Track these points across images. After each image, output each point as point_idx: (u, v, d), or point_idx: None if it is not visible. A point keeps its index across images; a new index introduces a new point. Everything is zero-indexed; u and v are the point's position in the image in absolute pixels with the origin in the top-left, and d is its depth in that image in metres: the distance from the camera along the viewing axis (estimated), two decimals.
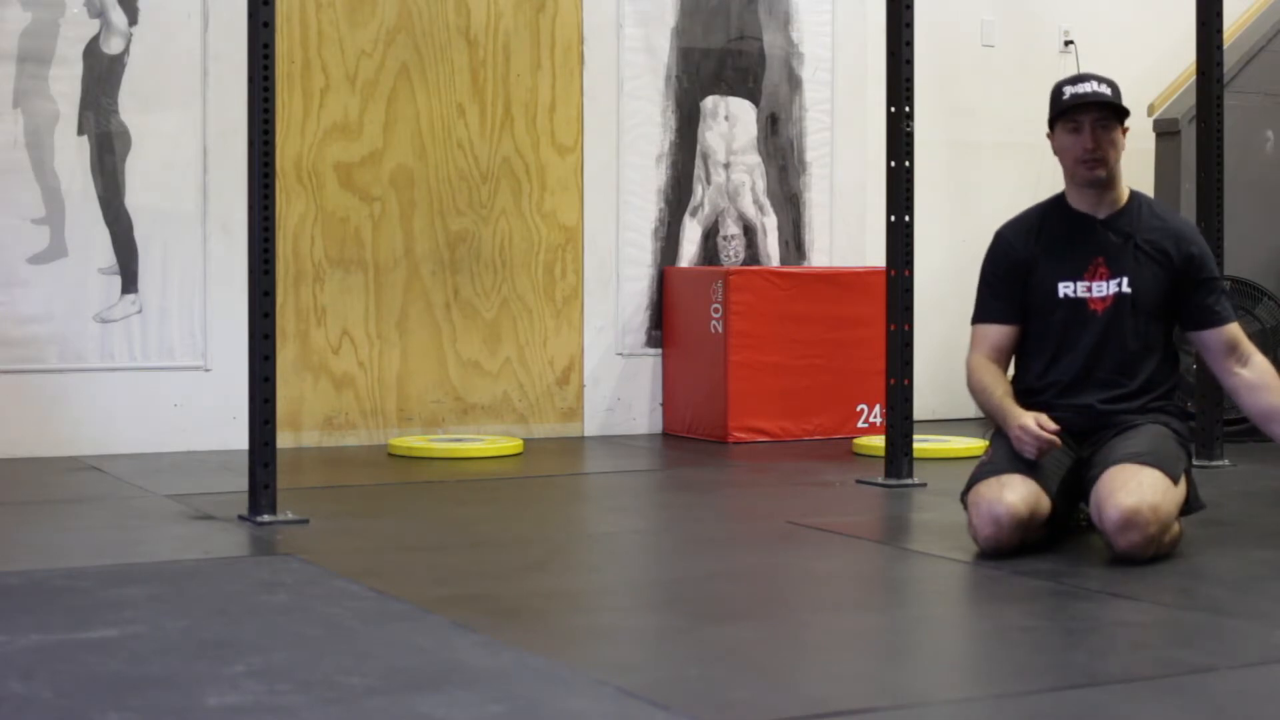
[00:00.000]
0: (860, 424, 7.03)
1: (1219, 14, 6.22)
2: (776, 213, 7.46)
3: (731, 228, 7.38)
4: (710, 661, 3.24)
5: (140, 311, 6.37)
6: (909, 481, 5.50)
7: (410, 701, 2.85)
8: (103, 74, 6.31)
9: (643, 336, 7.23)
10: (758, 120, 7.42)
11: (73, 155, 6.27)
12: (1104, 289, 4.39)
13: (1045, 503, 4.20)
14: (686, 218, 7.31)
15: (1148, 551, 4.05)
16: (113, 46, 6.33)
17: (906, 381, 5.53)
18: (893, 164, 5.54)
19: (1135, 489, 4.04)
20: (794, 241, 7.50)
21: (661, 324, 7.24)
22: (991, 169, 7.87)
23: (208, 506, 5.05)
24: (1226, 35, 6.65)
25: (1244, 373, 4.40)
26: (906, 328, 5.54)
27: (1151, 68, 7.69)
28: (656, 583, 4.23)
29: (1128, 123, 4.43)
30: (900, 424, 5.52)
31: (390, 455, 6.39)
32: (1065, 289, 4.41)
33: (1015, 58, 7.93)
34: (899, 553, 4.58)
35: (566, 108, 7.04)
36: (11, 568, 4.09)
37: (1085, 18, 8.03)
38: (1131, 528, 4.01)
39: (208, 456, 6.25)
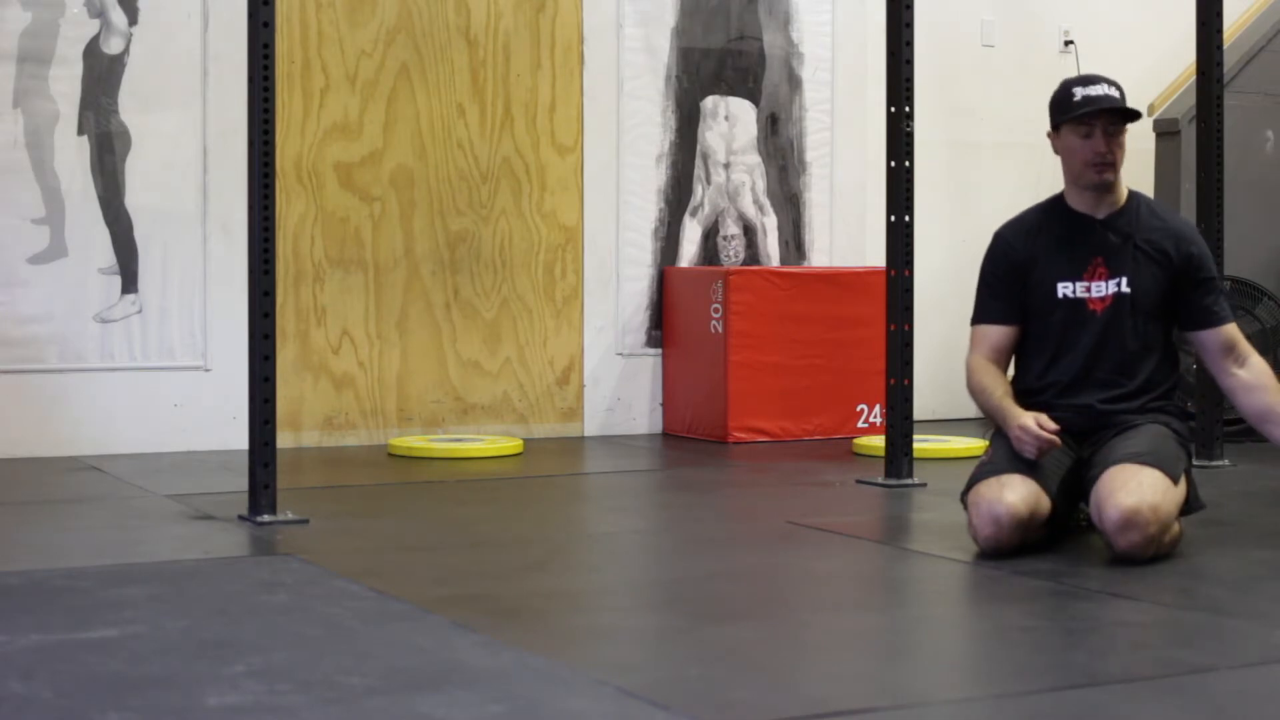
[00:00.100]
0: (860, 424, 7.03)
1: (1219, 14, 6.22)
2: (776, 213, 7.46)
3: (731, 228, 7.38)
4: (710, 661, 3.24)
5: (140, 311, 6.37)
6: (909, 481, 5.50)
7: (410, 701, 2.85)
8: (103, 74, 6.31)
9: (643, 336, 7.23)
10: (758, 120, 7.42)
11: (73, 155, 6.27)
12: (1103, 289, 4.39)
13: (1045, 503, 4.20)
14: (686, 218, 7.31)
15: (1148, 551, 4.05)
16: (113, 46, 6.33)
17: (906, 381, 5.54)
18: (893, 164, 5.54)
19: (1135, 489, 4.04)
20: (794, 241, 7.50)
21: (661, 324, 7.24)
22: (991, 169, 7.87)
23: (208, 506, 5.05)
24: (1226, 35, 6.65)
25: (1241, 373, 4.40)
26: (906, 328, 5.54)
27: (1151, 68, 7.69)
28: (656, 583, 4.23)
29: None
30: (900, 424, 5.52)
31: (390, 455, 6.39)
32: (1064, 289, 4.41)
33: (1015, 58, 7.93)
34: (899, 553, 4.58)
35: (566, 108, 7.04)
36: (11, 568, 4.09)
37: (1085, 18, 8.03)
38: (1131, 528, 4.01)
39: (208, 456, 6.25)
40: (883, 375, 5.63)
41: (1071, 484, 4.31)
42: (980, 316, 4.52)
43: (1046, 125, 4.50)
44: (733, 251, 7.37)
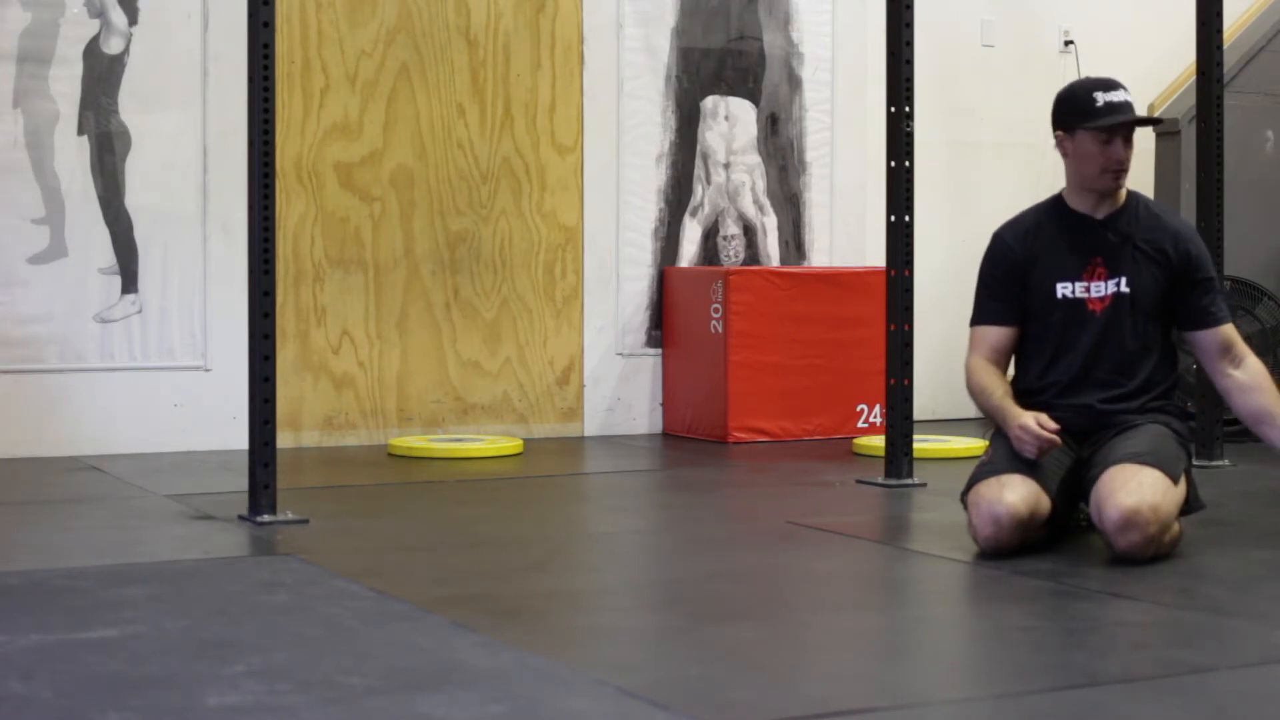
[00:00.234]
0: (860, 424, 7.03)
1: (1219, 14, 6.22)
2: (776, 213, 7.46)
3: (731, 228, 7.38)
4: (710, 661, 3.24)
5: (140, 311, 6.37)
6: (909, 481, 5.50)
7: (410, 701, 2.85)
8: (103, 74, 6.31)
9: (643, 336, 7.23)
10: (758, 120, 7.42)
11: (73, 155, 6.27)
12: (1102, 289, 4.39)
13: (1045, 503, 4.20)
14: (686, 218, 7.31)
15: (1148, 551, 4.05)
16: (113, 46, 6.33)
17: (906, 381, 5.54)
18: (893, 164, 5.54)
19: (1135, 489, 4.04)
20: (794, 241, 7.50)
21: (661, 324, 7.24)
22: (991, 169, 7.87)
23: (208, 506, 5.05)
24: (1226, 35, 6.65)
25: (1237, 374, 4.40)
26: (906, 328, 5.54)
27: (1151, 68, 7.69)
28: (656, 583, 4.23)
29: None
30: (900, 424, 5.52)
31: (390, 455, 6.39)
32: (1064, 289, 4.41)
33: (1015, 58, 7.93)
34: (899, 553, 4.58)
35: (566, 108, 7.04)
36: (11, 568, 4.09)
37: (1085, 18, 8.03)
38: (1131, 528, 4.01)
39: (208, 456, 6.25)
40: (883, 375, 5.63)
41: (1071, 484, 4.31)
42: (979, 317, 4.52)
43: (1047, 125, 4.50)
44: (733, 251, 7.37)
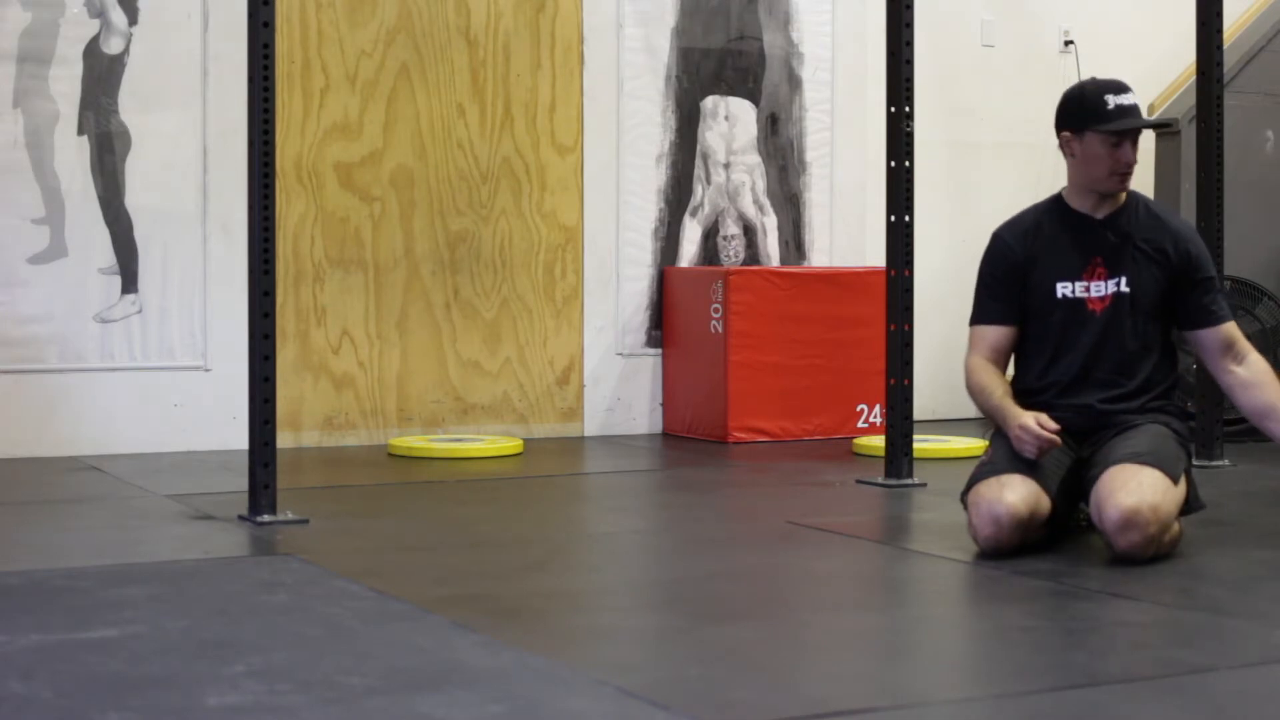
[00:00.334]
0: (860, 424, 7.03)
1: (1219, 14, 6.22)
2: (776, 213, 7.46)
3: (731, 228, 7.38)
4: (710, 661, 3.24)
5: (140, 311, 6.37)
6: (909, 481, 5.50)
7: (410, 701, 2.85)
8: (103, 74, 6.31)
9: (643, 336, 7.23)
10: (758, 120, 7.42)
11: (73, 155, 6.27)
12: (1102, 289, 4.39)
13: (1045, 503, 4.20)
14: (686, 218, 7.31)
15: (1148, 551, 4.05)
16: (113, 46, 6.33)
17: (906, 381, 5.54)
18: (893, 164, 5.54)
19: (1135, 489, 4.04)
20: (794, 241, 7.50)
21: (661, 324, 7.24)
22: (991, 169, 7.87)
23: (208, 506, 5.05)
24: (1226, 35, 6.65)
25: (1240, 371, 4.40)
26: (906, 328, 5.54)
27: (1151, 68, 7.69)
28: (656, 583, 4.23)
29: None
30: (900, 424, 5.52)
31: (390, 455, 6.39)
32: (1064, 289, 4.41)
33: (1015, 58, 7.93)
34: (899, 553, 4.58)
35: (566, 108, 7.04)
36: (11, 568, 4.09)
37: (1085, 18, 8.03)
38: (1131, 528, 4.01)
39: (208, 456, 6.25)
40: (883, 375, 5.63)
41: (1071, 484, 4.30)
42: (979, 317, 4.52)
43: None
44: (733, 251, 7.37)
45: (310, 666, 3.10)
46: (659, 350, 7.24)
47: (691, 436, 7.04)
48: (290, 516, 4.75)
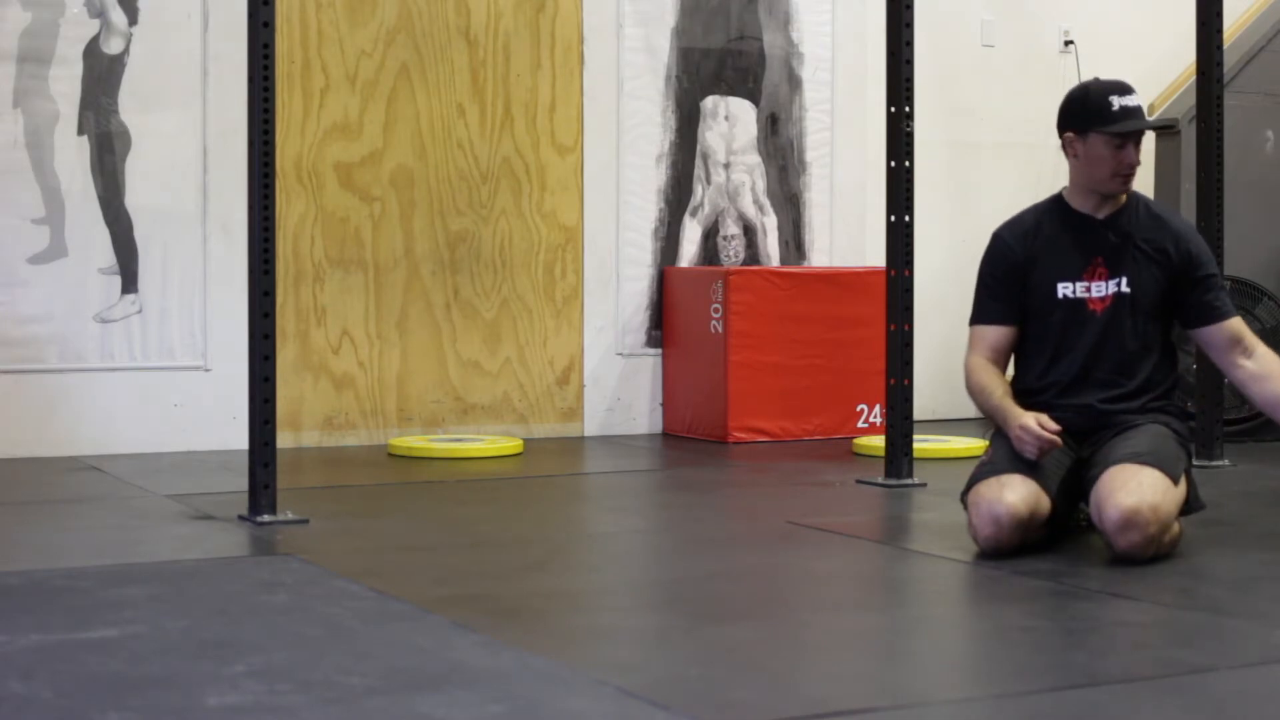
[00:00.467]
0: (860, 424, 7.03)
1: (1219, 14, 6.22)
2: (776, 213, 7.46)
3: (731, 228, 7.38)
4: (710, 661, 3.24)
5: (140, 311, 6.37)
6: (909, 481, 5.50)
7: (410, 701, 2.85)
8: (103, 74, 6.31)
9: (643, 336, 7.23)
10: (758, 120, 7.42)
11: (73, 155, 6.27)
12: (1103, 289, 4.39)
13: (1045, 503, 4.20)
14: (686, 218, 7.31)
15: (1148, 551, 4.05)
16: (113, 46, 6.33)
17: (906, 381, 5.53)
18: (893, 164, 5.54)
19: (1135, 489, 4.04)
20: (794, 241, 7.50)
21: (661, 324, 7.24)
22: (991, 169, 7.87)
23: (208, 506, 5.05)
24: (1226, 35, 6.65)
25: (1249, 364, 4.38)
26: (906, 328, 5.54)
27: (1151, 68, 7.69)
28: (656, 583, 4.23)
29: None
30: (900, 424, 5.52)
31: (390, 455, 6.39)
32: (1064, 289, 4.41)
33: (1015, 58, 7.93)
34: (899, 553, 4.58)
35: (566, 108, 7.04)
36: (11, 568, 4.09)
37: (1085, 18, 8.03)
38: (1131, 528, 4.01)
39: (208, 456, 6.25)
40: (883, 375, 5.63)
41: (1071, 484, 4.30)
42: (979, 317, 4.52)
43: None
44: (733, 251, 7.37)
45: (310, 666, 3.10)
46: (659, 350, 7.24)
47: (691, 436, 7.04)
48: (290, 516, 4.75)
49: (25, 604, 3.67)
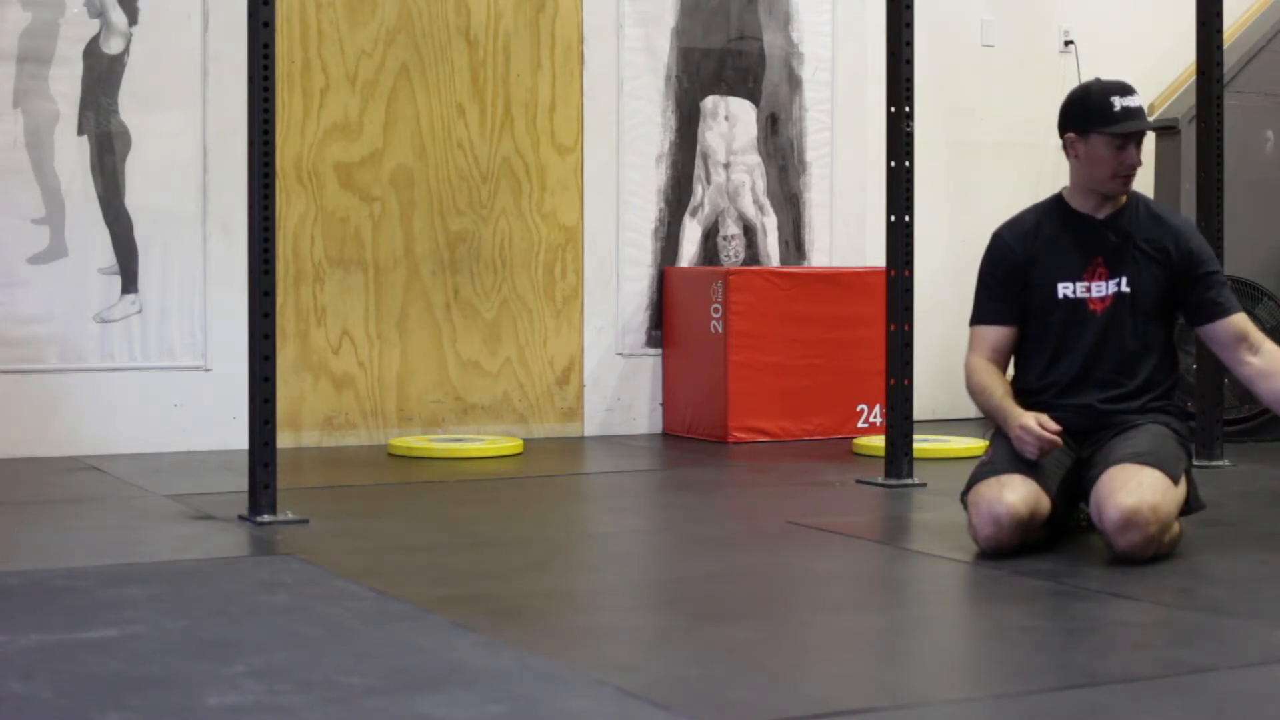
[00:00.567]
0: (860, 424, 7.03)
1: (1219, 14, 6.22)
2: (776, 213, 7.46)
3: (731, 228, 7.38)
4: (710, 661, 3.24)
5: (140, 311, 6.37)
6: (909, 481, 5.50)
7: (410, 701, 2.85)
8: (103, 74, 6.31)
9: (643, 336, 7.23)
10: (758, 120, 7.42)
11: (73, 155, 6.27)
12: (1103, 289, 4.39)
13: (1045, 503, 4.20)
14: (686, 218, 7.31)
15: (1148, 551, 4.05)
16: (113, 46, 6.33)
17: (906, 381, 5.53)
18: (893, 164, 5.54)
19: (1135, 489, 4.04)
20: (794, 241, 7.50)
21: (661, 324, 7.24)
22: (991, 169, 7.87)
23: (208, 506, 5.05)
24: (1226, 35, 6.65)
25: (1256, 361, 4.37)
26: (906, 328, 5.54)
27: (1151, 68, 7.69)
28: (656, 583, 4.23)
29: None
30: (900, 424, 5.52)
31: (390, 455, 6.39)
32: (1064, 289, 4.41)
33: (1015, 58, 7.93)
34: (899, 553, 4.58)
35: (566, 108, 7.04)
36: (11, 568, 4.09)
37: (1085, 18, 8.03)
38: (1131, 528, 4.01)
39: (208, 456, 6.25)
40: (883, 375, 5.63)
41: (1071, 484, 4.30)
42: (979, 317, 4.52)
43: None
44: (733, 251, 7.37)
45: (310, 666, 3.10)
46: (659, 350, 7.24)
47: (691, 436, 7.04)
48: (290, 516, 4.75)
49: (25, 604, 3.67)
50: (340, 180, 6.67)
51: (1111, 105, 4.32)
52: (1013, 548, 4.15)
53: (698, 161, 7.32)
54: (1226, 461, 6.08)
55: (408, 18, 6.77)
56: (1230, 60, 6.88)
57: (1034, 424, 4.18)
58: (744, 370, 6.87)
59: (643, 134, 7.21)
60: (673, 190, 7.28)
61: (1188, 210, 6.51)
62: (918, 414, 5.70)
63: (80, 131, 6.28)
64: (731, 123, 7.37)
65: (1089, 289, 4.40)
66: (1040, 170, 7.62)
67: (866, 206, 7.47)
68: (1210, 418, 6.12)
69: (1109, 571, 4.00)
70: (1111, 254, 4.40)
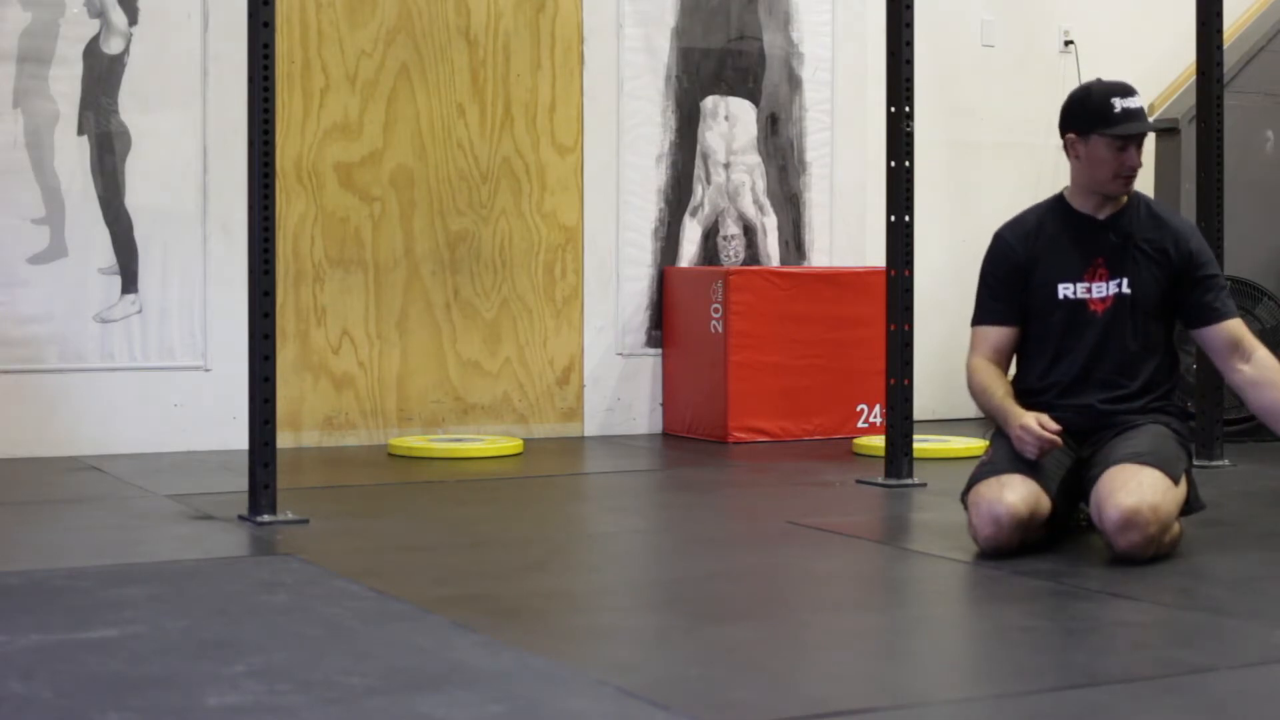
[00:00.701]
0: (860, 424, 7.03)
1: (1219, 14, 6.22)
2: (776, 213, 7.46)
3: (731, 228, 7.38)
4: (710, 661, 3.24)
5: (140, 311, 6.37)
6: (909, 481, 5.50)
7: (410, 701, 2.85)
8: (103, 74, 6.31)
9: (643, 336, 7.23)
10: (758, 120, 7.42)
11: (73, 155, 6.27)
12: (1104, 290, 4.39)
13: (1045, 503, 4.20)
14: (686, 218, 7.31)
15: (1148, 551, 4.05)
16: (113, 46, 6.33)
17: (906, 381, 5.53)
18: (893, 164, 5.54)
19: (1135, 489, 4.04)
20: (794, 241, 7.50)
21: (661, 324, 7.24)
22: (991, 169, 7.87)
23: (208, 506, 5.05)
24: (1226, 35, 6.65)
25: (1247, 369, 4.37)
26: (906, 328, 5.54)
27: (1151, 68, 7.69)
28: (656, 583, 4.23)
29: None
30: (900, 424, 5.52)
31: (390, 455, 6.39)
32: (1065, 290, 4.41)
33: (1015, 58, 7.93)
34: (899, 553, 4.58)
35: (566, 108, 7.04)
36: (11, 568, 4.09)
37: (1085, 18, 8.03)
38: (1131, 528, 4.01)
39: (208, 456, 6.25)
40: (883, 375, 5.63)
41: (1071, 484, 4.30)
42: (980, 317, 4.52)
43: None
44: (733, 251, 7.37)
45: (310, 666, 3.10)
46: (659, 350, 7.24)
47: (691, 436, 7.04)
48: (290, 516, 4.75)
49: (25, 604, 3.67)
50: (340, 180, 6.67)
51: (1112, 107, 4.32)
52: (1013, 548, 4.15)
53: (698, 161, 7.32)
54: (1226, 461, 6.08)
55: (408, 18, 6.77)
56: (1230, 60, 6.88)
57: (1034, 424, 4.18)
58: (744, 370, 6.87)
59: (643, 134, 7.21)
60: (673, 190, 7.28)
61: (1188, 210, 6.51)
62: (918, 414, 5.70)
63: (80, 131, 6.28)
64: (731, 123, 7.37)
65: (1089, 290, 4.39)
66: (1040, 170, 7.62)
67: (866, 206, 7.47)
68: (1210, 418, 6.12)
69: (1109, 571, 4.00)
70: (1112, 255, 4.40)
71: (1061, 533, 4.37)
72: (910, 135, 5.53)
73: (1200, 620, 3.61)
